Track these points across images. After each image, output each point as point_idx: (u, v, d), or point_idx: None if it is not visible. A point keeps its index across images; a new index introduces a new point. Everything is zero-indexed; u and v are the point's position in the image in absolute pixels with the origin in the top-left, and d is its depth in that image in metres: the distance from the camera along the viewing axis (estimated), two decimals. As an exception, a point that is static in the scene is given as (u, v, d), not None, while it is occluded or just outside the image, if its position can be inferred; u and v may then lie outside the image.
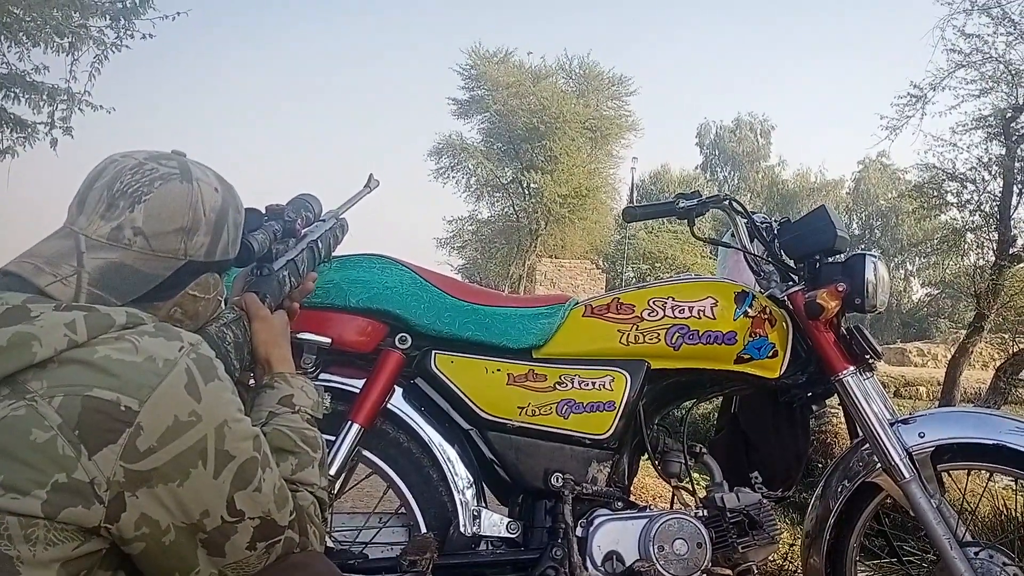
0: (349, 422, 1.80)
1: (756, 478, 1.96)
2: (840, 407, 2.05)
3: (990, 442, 1.82)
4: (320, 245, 1.65)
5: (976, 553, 1.80)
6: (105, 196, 1.10)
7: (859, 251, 1.97)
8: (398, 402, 1.88)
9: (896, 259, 36.81)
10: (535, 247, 26.93)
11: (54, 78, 9.13)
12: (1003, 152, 8.75)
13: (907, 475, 1.84)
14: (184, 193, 1.13)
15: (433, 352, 1.88)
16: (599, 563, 1.77)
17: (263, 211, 1.44)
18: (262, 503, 1.05)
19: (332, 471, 1.71)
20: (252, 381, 1.39)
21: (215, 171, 1.22)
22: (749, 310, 1.92)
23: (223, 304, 1.29)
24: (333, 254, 1.77)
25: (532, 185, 26.32)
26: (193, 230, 1.14)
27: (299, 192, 1.68)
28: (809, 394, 2.02)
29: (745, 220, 2.06)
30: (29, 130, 9.13)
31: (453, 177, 27.87)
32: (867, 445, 1.93)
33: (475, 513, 1.84)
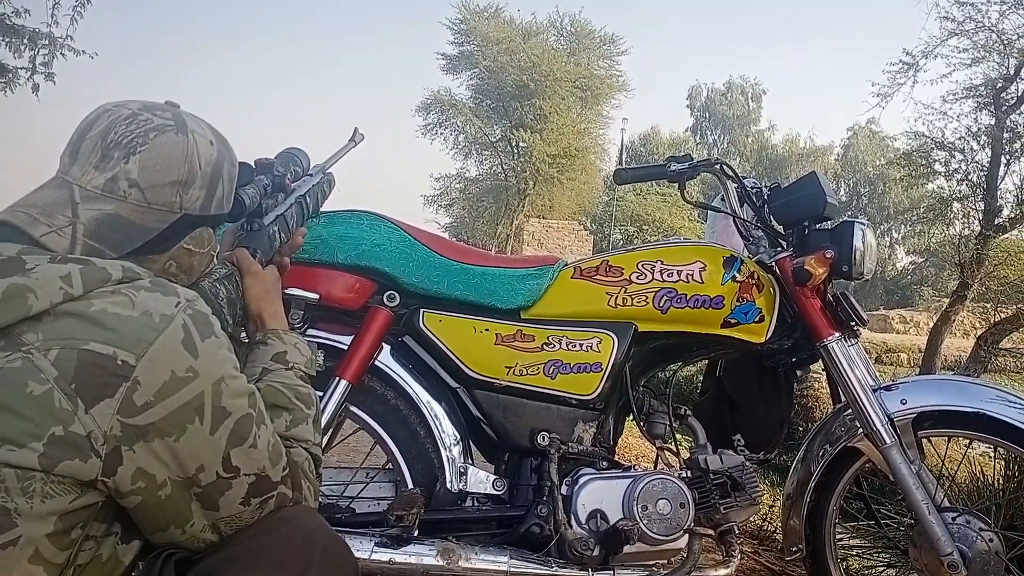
0: (337, 378, 1.80)
1: (739, 441, 1.98)
2: (823, 372, 2.07)
3: (970, 410, 1.84)
4: (308, 200, 1.64)
5: (953, 518, 1.84)
6: (99, 146, 1.08)
7: (848, 218, 1.98)
8: (386, 359, 1.88)
9: (882, 227, 37.03)
10: (523, 207, 26.86)
11: (35, 22, 8.94)
12: (992, 122, 8.77)
13: (888, 441, 1.87)
14: (179, 145, 1.12)
15: (421, 310, 1.88)
16: (583, 521, 1.79)
17: (253, 165, 1.43)
18: (257, 459, 1.06)
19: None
20: (244, 336, 1.39)
21: (209, 123, 1.21)
22: (737, 275, 1.93)
23: (215, 259, 1.29)
24: (321, 209, 1.76)
25: (521, 144, 26.14)
26: (188, 183, 1.13)
27: (286, 146, 1.66)
28: (794, 359, 2.03)
29: (735, 185, 2.06)
30: (10, 75, 8.95)
31: (441, 134, 27.67)
32: (849, 411, 1.95)
33: (462, 470, 1.86)
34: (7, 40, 8.67)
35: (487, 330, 1.88)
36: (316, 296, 1.78)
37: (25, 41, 8.72)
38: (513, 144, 26.73)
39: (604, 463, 1.90)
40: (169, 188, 1.11)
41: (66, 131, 1.13)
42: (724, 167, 2.03)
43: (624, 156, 33.40)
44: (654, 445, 2.02)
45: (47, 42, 8.77)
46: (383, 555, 1.69)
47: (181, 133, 1.13)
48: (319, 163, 1.78)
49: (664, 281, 1.90)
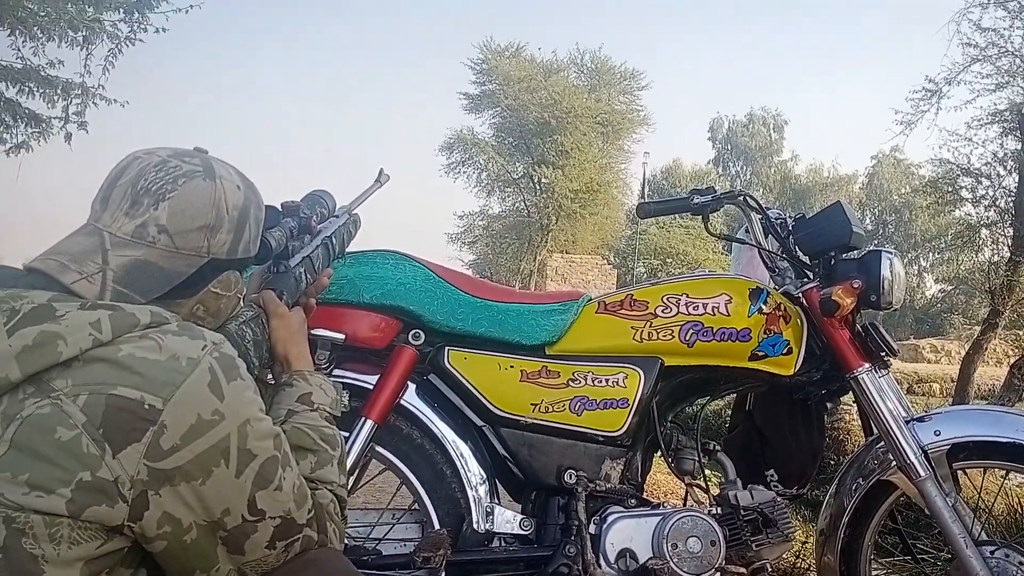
0: (362, 418, 1.80)
1: (771, 476, 1.96)
2: (855, 404, 2.04)
3: (1006, 440, 1.81)
4: (334, 241, 1.66)
5: (992, 552, 1.80)
6: (129, 193, 1.10)
7: (874, 247, 1.97)
8: (411, 398, 1.88)
9: (910, 255, 36.64)
10: (546, 242, 26.94)
11: (68, 72, 9.17)
12: (1019, 147, 8.68)
13: (922, 473, 1.83)
14: (207, 191, 1.14)
15: (446, 348, 1.88)
16: (612, 560, 1.77)
17: (280, 208, 1.45)
18: (282, 502, 1.05)
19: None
20: (271, 378, 1.39)
21: (237, 168, 1.23)
22: (763, 307, 1.92)
23: (242, 302, 1.30)
24: (347, 250, 1.77)
25: (543, 180, 26.32)
26: (216, 228, 1.14)
27: (312, 188, 1.68)
28: (824, 391, 2.01)
29: (759, 216, 2.05)
30: (44, 124, 9.16)
31: (464, 172, 27.96)
32: (882, 443, 1.92)
33: (488, 510, 1.85)
34: (41, 91, 8.90)
35: (512, 367, 1.88)
36: (342, 336, 1.78)
37: (59, 92, 8.94)
38: (535, 180, 26.92)
39: (632, 501, 1.88)
40: (197, 233, 1.12)
41: (97, 179, 1.15)
42: (748, 199, 2.02)
43: (646, 190, 33.44)
44: (683, 481, 2.00)
45: (79, 91, 8.98)
46: (411, 597, 1.68)
47: (209, 179, 1.14)
48: (344, 205, 1.79)
49: (690, 314, 1.90)
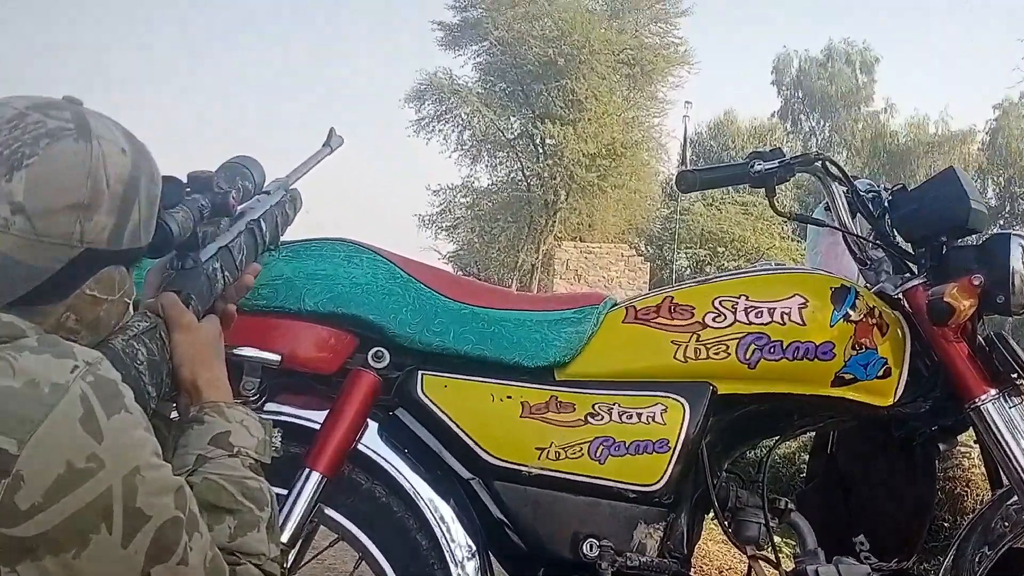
0: (306, 469, 1.79)
1: (862, 544, 1.96)
2: (976, 445, 2.05)
3: None
4: (264, 226, 1.66)
5: None
6: None
7: (1001, 230, 1.97)
8: (372, 442, 1.88)
9: (1048, 239, 36.69)
10: (553, 226, 27.01)
11: None
12: None
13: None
14: (80, 156, 1.13)
15: (420, 372, 1.88)
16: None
17: (185, 180, 1.45)
18: None
19: (285, 536, 1.71)
20: (174, 413, 1.39)
21: (122, 126, 1.22)
22: (851, 312, 1.92)
23: (132, 308, 1.30)
24: (282, 238, 1.77)
25: (548, 141, 26.37)
26: (92, 207, 1.14)
27: (233, 155, 1.68)
28: (934, 428, 2.01)
29: (844, 188, 2.06)
30: None
31: (440, 130, 28.02)
32: (1014, 498, 1.93)
33: (479, 593, 1.85)
34: None
35: (509, 397, 1.88)
36: (276, 357, 1.78)
37: None
38: (537, 142, 26.98)
39: (676, 580, 1.88)
40: (66, 214, 1.11)
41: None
42: (828, 164, 2.03)
43: (689, 153, 33.48)
44: (744, 553, 2.00)
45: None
46: None
47: (83, 140, 1.14)
48: (280, 177, 1.79)
49: (751, 323, 1.90)
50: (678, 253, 29.39)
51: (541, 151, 27.17)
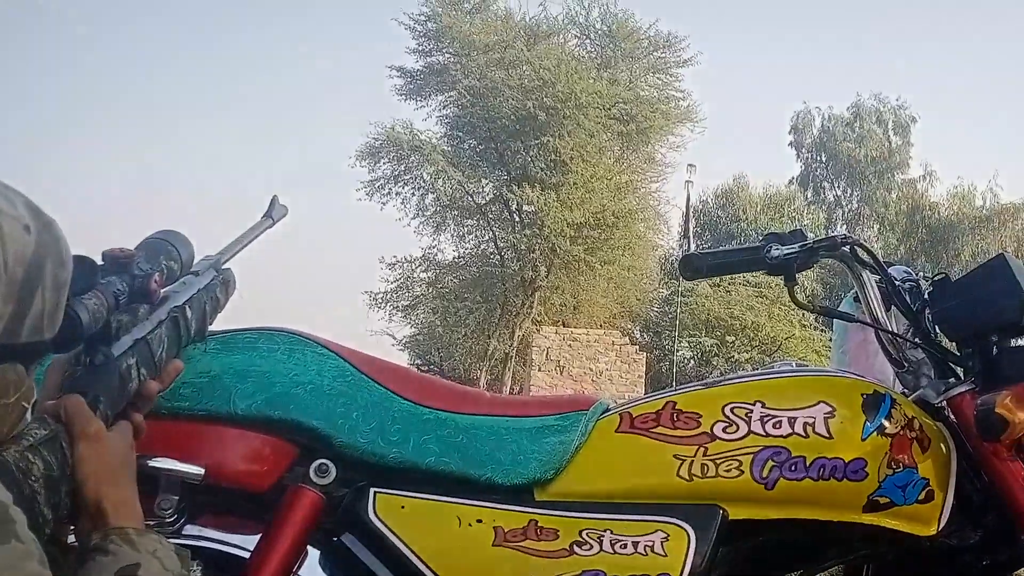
0: (234, 607, 1.78)
1: None
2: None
3: None
4: (189, 313, 1.65)
5: None
6: None
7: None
8: (313, 573, 1.86)
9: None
10: (530, 307, 27.06)
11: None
12: None
13: None
14: None
15: (372, 490, 1.86)
16: None
17: (100, 261, 1.44)
18: None
19: None
20: (73, 538, 1.37)
21: (26, 197, 1.22)
22: (886, 424, 1.92)
23: (29, 414, 1.28)
24: (211, 327, 1.76)
25: (526, 207, 26.60)
26: None
27: (157, 229, 1.68)
28: (986, 562, 2.01)
29: (876, 277, 2.07)
30: None
31: (398, 193, 28.20)
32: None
33: None
34: None
35: (480, 521, 1.86)
36: (199, 470, 1.76)
37: None
38: (513, 208, 27.18)
39: None
40: None
41: None
42: (857, 250, 2.04)
43: (692, 225, 33.78)
44: None
45: None
46: None
47: None
48: (210, 255, 1.79)
49: (768, 435, 1.90)
50: (680, 342, 29.47)
51: (517, 219, 27.39)
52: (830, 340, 2.56)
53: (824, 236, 2.03)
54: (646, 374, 26.98)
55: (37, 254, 1.19)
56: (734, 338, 28.65)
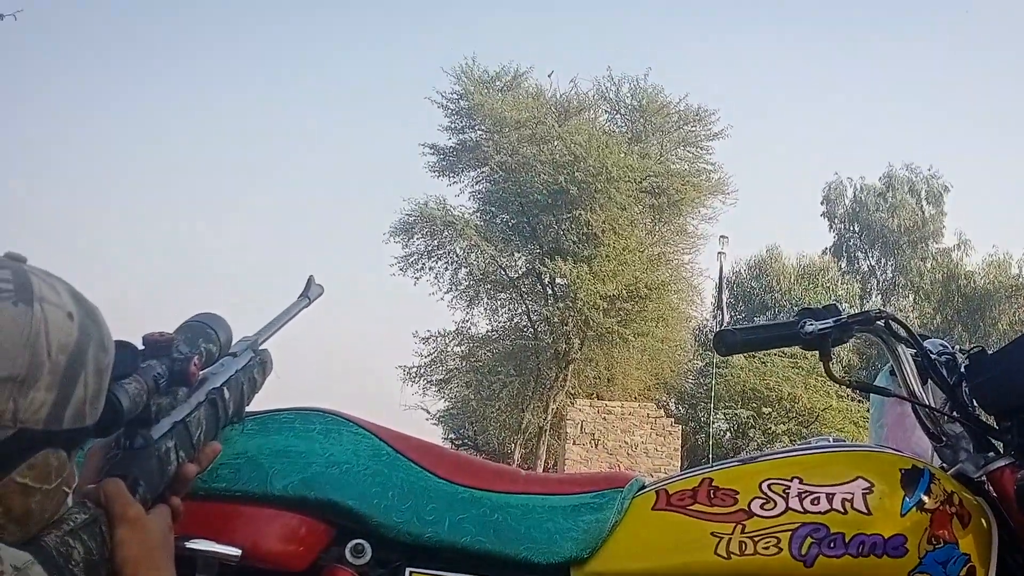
0: None
1: None
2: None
3: None
4: (227, 395, 1.66)
5: None
6: None
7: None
8: (350, 654, 1.85)
9: None
10: (564, 380, 26.97)
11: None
12: None
13: None
14: (19, 322, 1.14)
15: (408, 570, 1.85)
16: None
17: (141, 345, 1.46)
18: None
19: None
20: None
21: (70, 286, 1.24)
22: (926, 499, 1.90)
23: (70, 498, 1.29)
24: (247, 408, 1.77)
25: (559, 280, 26.62)
26: (29, 381, 1.14)
27: (196, 312, 1.69)
28: (1029, 639, 1.98)
29: (912, 351, 2.07)
30: None
31: (431, 268, 28.31)
32: None
33: None
34: None
35: (515, 601, 1.85)
36: (237, 552, 1.76)
37: None
38: (546, 281, 27.21)
39: None
40: None
41: None
42: (891, 324, 2.04)
43: (725, 296, 33.61)
44: None
45: None
46: None
47: (23, 303, 1.15)
48: (248, 336, 1.80)
49: (806, 512, 1.88)
50: (715, 414, 29.25)
51: (550, 292, 27.41)
52: (868, 411, 2.55)
53: (858, 311, 2.03)
54: (682, 446, 26.77)
55: (80, 342, 1.20)
56: (770, 409, 28.43)
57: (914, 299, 41.52)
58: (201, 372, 1.59)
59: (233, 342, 1.74)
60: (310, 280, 2.12)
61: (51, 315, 1.17)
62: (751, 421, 28.73)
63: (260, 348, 1.83)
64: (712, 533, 1.88)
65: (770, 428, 28.45)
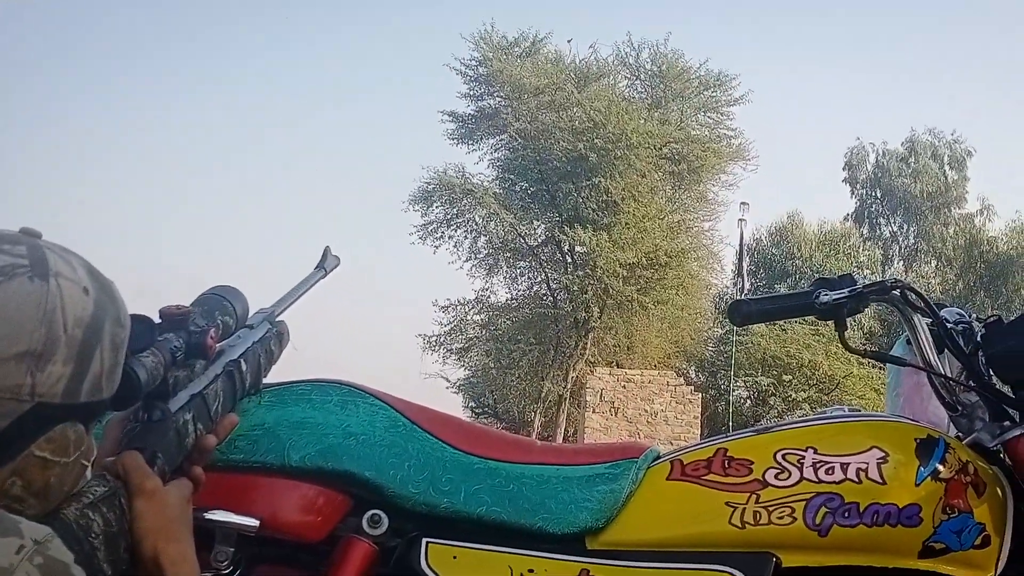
0: (289, 659, 1.78)
1: None
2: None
3: None
4: (245, 367, 1.67)
5: None
6: None
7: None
8: (367, 623, 1.86)
9: None
10: (584, 349, 26.95)
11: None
12: None
13: None
14: (35, 297, 1.15)
15: (424, 540, 1.86)
16: None
17: (157, 318, 1.47)
18: None
19: None
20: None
21: (86, 261, 1.25)
22: (941, 468, 1.90)
23: (88, 471, 1.30)
24: (265, 380, 1.78)
25: (578, 248, 26.57)
26: (46, 355, 1.16)
27: (213, 285, 1.70)
28: (1044, 606, 1.98)
29: (928, 320, 2.06)
30: None
31: (450, 237, 28.25)
32: None
33: None
34: None
35: (532, 571, 1.85)
36: (255, 522, 1.77)
37: None
38: (565, 249, 27.16)
39: None
40: (14, 363, 1.13)
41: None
42: (907, 293, 2.04)
43: (746, 263, 33.55)
44: None
45: None
46: None
47: (39, 278, 1.16)
48: (264, 308, 1.81)
49: (820, 482, 1.88)
50: (735, 382, 29.19)
51: (570, 260, 27.37)
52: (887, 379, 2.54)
53: (874, 281, 2.03)
54: (702, 414, 26.75)
55: (96, 316, 1.21)
56: (791, 377, 28.33)
57: (936, 265, 41.22)
58: (218, 344, 1.61)
59: (250, 314, 1.75)
60: (326, 251, 2.13)
61: (67, 290, 1.18)
62: (771, 388, 28.66)
63: (277, 320, 1.84)
64: (727, 503, 1.89)
65: (791, 396, 28.38)
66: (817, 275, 2.08)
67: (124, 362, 1.29)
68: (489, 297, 29.50)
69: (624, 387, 26.76)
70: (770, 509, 1.88)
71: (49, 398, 1.17)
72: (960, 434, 2.02)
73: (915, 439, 1.93)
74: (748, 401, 29.97)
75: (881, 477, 1.88)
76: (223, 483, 1.74)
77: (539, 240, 28.21)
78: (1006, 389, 2.03)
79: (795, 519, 1.87)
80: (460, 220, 27.98)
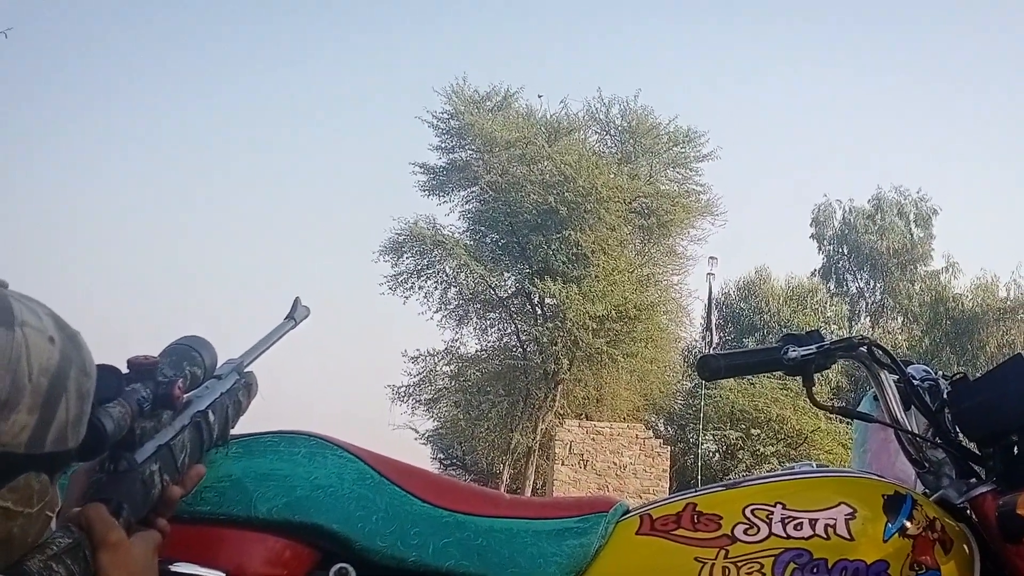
0: None
1: None
2: None
3: None
4: (213, 418, 1.65)
5: None
6: None
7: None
8: None
9: None
10: (553, 401, 26.91)
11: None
12: None
13: None
14: (0, 346, 1.16)
15: (392, 594, 1.86)
16: None
17: (123, 368, 1.46)
18: None
19: None
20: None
21: (52, 311, 1.24)
22: (908, 525, 1.90)
23: (53, 522, 1.29)
24: (232, 430, 1.77)
25: (548, 300, 26.60)
26: (10, 404, 1.14)
27: (181, 335, 1.69)
28: (1013, 665, 1.97)
29: (895, 377, 2.07)
30: None
31: (420, 287, 28.21)
32: None
33: None
34: None
35: (501, 627, 1.85)
36: (221, 575, 1.76)
37: None
38: (535, 301, 27.20)
39: None
40: None
41: None
42: (874, 350, 2.04)
43: (714, 317, 33.68)
44: None
45: None
46: None
47: (4, 327, 1.15)
48: (232, 359, 1.80)
49: (789, 538, 1.88)
50: (704, 435, 29.20)
51: (539, 312, 27.39)
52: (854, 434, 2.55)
53: (841, 337, 2.04)
54: (671, 467, 26.69)
55: (61, 365, 1.20)
56: (759, 431, 28.37)
57: (903, 321, 41.51)
58: (186, 395, 1.59)
59: (218, 364, 1.74)
60: (296, 301, 2.12)
61: (32, 339, 1.17)
62: (740, 442, 28.69)
63: (245, 370, 1.83)
64: (696, 558, 1.88)
65: (759, 449, 28.42)
66: (785, 329, 2.09)
67: (90, 412, 1.28)
68: (459, 348, 29.47)
69: (593, 440, 26.68)
70: (739, 565, 1.87)
71: (13, 447, 1.15)
72: (927, 491, 2.02)
73: (883, 495, 1.93)
74: (717, 455, 29.97)
75: (849, 533, 1.88)
76: (189, 535, 1.72)
77: (509, 292, 28.24)
78: (972, 446, 2.04)
79: (764, 575, 1.87)
80: (430, 271, 28.00)
